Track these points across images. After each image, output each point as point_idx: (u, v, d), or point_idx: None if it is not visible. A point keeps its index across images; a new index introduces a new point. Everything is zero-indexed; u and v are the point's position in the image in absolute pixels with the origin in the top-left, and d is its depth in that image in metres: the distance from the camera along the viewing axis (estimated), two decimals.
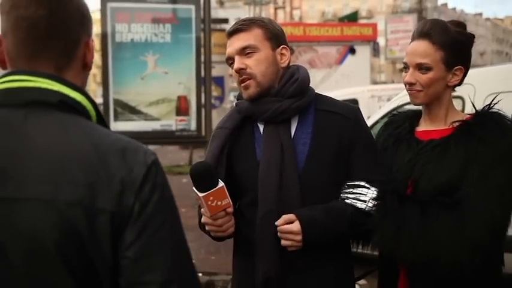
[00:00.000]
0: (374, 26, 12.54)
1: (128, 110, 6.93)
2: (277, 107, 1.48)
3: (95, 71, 17.32)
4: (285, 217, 1.43)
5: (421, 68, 1.53)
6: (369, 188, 1.48)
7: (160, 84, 6.96)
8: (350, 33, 11.25)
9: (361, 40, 11.50)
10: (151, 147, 9.54)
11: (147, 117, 6.93)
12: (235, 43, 1.50)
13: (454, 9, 69.28)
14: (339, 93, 8.26)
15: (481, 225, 1.38)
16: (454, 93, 1.65)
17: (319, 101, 1.55)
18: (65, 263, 0.79)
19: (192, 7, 7.03)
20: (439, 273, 1.43)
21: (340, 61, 11.14)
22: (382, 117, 4.17)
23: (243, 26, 1.49)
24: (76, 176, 0.80)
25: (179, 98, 7.01)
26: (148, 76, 6.94)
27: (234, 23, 1.58)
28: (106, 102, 6.92)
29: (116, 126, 6.86)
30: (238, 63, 1.48)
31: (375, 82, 18.65)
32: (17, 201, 0.79)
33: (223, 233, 1.44)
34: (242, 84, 1.50)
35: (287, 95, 1.49)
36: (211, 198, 1.35)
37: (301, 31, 11.67)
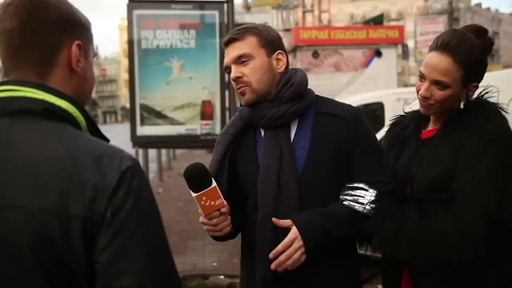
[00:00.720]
0: (401, 28, 12.35)
1: (154, 114, 7.07)
2: (274, 112, 1.50)
3: (126, 76, 17.67)
4: (281, 222, 1.44)
5: (438, 84, 1.51)
6: (367, 190, 1.48)
7: (185, 89, 7.07)
8: (376, 36, 11.12)
9: (387, 43, 11.35)
10: (178, 151, 9.78)
11: (173, 122, 7.05)
12: (231, 53, 1.53)
13: (488, 8, 67.45)
14: (364, 97, 8.19)
15: (476, 214, 1.37)
16: None
17: (319, 104, 1.56)
18: (40, 267, 0.83)
19: (216, 13, 7.12)
20: (446, 269, 1.42)
21: (366, 64, 11.03)
22: None
23: (237, 36, 1.52)
24: (51, 183, 0.84)
25: (204, 102, 7.11)
26: (173, 81, 7.07)
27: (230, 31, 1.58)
28: (133, 107, 7.09)
29: (143, 130, 7.02)
30: (234, 72, 1.51)
31: (405, 85, 18.37)
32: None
33: (219, 232, 1.48)
34: (239, 91, 1.54)
35: (284, 100, 1.51)
36: (204, 198, 1.40)
37: (326, 35, 11.60)
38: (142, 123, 7.05)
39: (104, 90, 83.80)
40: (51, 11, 0.94)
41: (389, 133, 1.73)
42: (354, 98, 8.35)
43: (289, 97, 1.51)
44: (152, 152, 9.21)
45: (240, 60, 1.51)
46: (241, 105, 1.64)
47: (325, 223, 1.45)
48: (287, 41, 11.65)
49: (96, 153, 0.88)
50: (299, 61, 11.12)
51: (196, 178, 1.41)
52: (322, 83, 10.83)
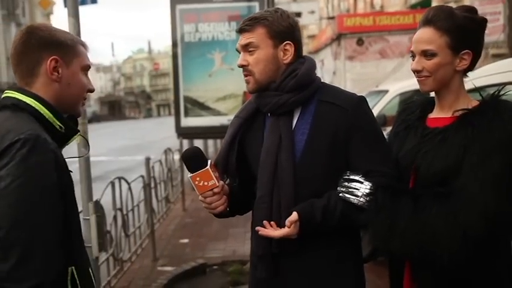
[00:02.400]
0: None
1: (197, 106, 7.30)
2: (276, 101, 1.56)
3: None
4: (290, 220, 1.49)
5: (426, 54, 1.53)
6: (362, 183, 1.51)
7: (227, 80, 7.24)
8: None
9: None
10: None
11: (215, 113, 7.25)
12: (240, 41, 1.60)
13: None
14: (410, 83, 7.94)
15: (474, 213, 1.36)
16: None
17: (324, 93, 1.60)
18: None
19: (256, 4, 7.20)
20: (437, 264, 1.43)
21: None
22: None
23: (247, 27, 1.57)
24: None
25: (245, 93, 7.20)
26: (215, 73, 7.25)
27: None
28: (177, 99, 7.35)
29: (186, 122, 7.27)
30: (241, 59, 1.59)
31: None
32: None
33: (214, 210, 1.59)
34: (244, 79, 1.60)
35: (286, 90, 1.56)
36: (197, 178, 1.53)
37: (370, 21, 11.31)
38: (186, 114, 7.30)
39: (158, 84, 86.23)
40: (33, 36, 1.32)
41: (397, 119, 1.74)
42: (399, 85, 8.15)
43: (291, 87, 1.56)
44: (198, 144, 9.45)
45: (247, 48, 1.57)
46: None
47: (321, 216, 1.50)
48: (331, 29, 11.49)
49: (8, 129, 1.21)
50: (343, 49, 10.96)
51: (191, 160, 1.54)
52: (367, 70, 10.63)
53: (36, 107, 1.28)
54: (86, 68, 1.38)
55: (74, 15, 2.56)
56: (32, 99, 1.28)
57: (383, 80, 9.59)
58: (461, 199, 1.39)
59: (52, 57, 1.31)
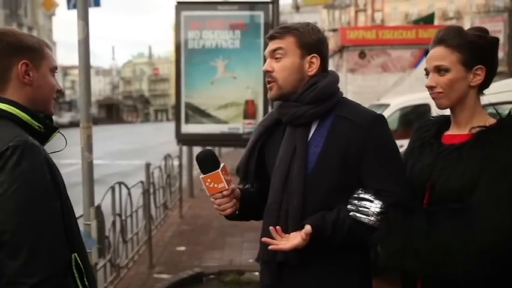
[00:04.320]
0: None
1: (198, 113, 7.26)
2: (294, 111, 1.59)
3: None
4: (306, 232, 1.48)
5: (439, 70, 1.54)
6: (372, 202, 1.50)
7: (229, 88, 7.21)
8: (426, 36, 10.70)
9: None
10: (224, 150, 9.88)
11: (216, 121, 7.21)
12: (270, 46, 1.62)
13: None
14: (411, 98, 7.98)
15: (490, 229, 1.35)
16: None
17: (343, 108, 1.61)
18: None
19: (261, 13, 7.21)
20: (452, 282, 1.41)
21: (415, 64, 10.69)
22: None
23: (277, 34, 1.60)
24: None
25: (247, 102, 7.21)
26: (217, 81, 7.22)
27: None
28: (178, 106, 7.32)
29: (187, 128, 7.23)
30: (267, 65, 1.62)
31: None
32: None
33: (223, 211, 1.63)
34: (268, 86, 1.63)
35: (305, 102, 1.58)
36: (208, 180, 1.58)
37: (373, 34, 11.36)
38: (187, 121, 7.25)
39: (157, 89, 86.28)
40: (1, 43, 1.34)
41: (413, 137, 1.73)
42: (400, 99, 8.18)
43: (310, 100, 1.58)
44: (198, 150, 9.42)
45: (275, 54, 1.59)
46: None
47: (332, 230, 1.50)
48: (333, 41, 11.52)
49: None
50: (345, 61, 10.99)
51: (204, 162, 1.59)
52: (369, 83, 10.65)
53: (14, 112, 1.33)
54: (54, 69, 1.44)
55: (84, 18, 2.54)
56: (8, 105, 1.33)
57: (384, 94, 9.62)
58: (477, 217, 1.37)
59: (22, 62, 1.35)
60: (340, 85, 1.69)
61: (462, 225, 1.38)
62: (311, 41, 1.60)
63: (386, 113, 6.89)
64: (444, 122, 1.66)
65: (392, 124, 6.99)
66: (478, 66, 1.53)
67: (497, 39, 1.57)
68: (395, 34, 11.39)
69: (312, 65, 1.60)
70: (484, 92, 1.59)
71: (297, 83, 1.59)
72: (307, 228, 1.48)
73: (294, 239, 1.49)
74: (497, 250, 1.35)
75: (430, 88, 1.57)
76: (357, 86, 10.57)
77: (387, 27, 14.85)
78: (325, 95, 1.58)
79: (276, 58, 1.59)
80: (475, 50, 1.52)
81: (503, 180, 1.38)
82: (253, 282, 4.30)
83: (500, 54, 10.30)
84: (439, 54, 1.54)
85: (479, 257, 1.34)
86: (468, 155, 1.46)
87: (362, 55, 11.00)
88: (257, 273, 4.50)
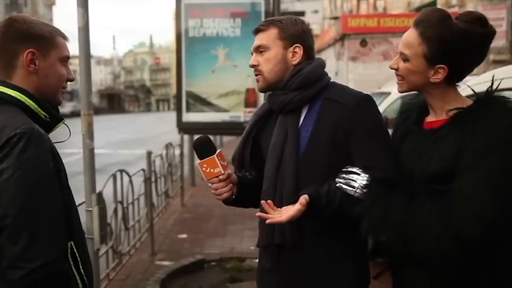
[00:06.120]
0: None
1: (199, 101, 7.26)
2: (282, 99, 1.64)
3: None
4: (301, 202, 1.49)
5: (402, 55, 1.51)
6: (359, 175, 1.53)
7: (230, 77, 7.22)
8: None
9: None
10: (225, 138, 9.85)
11: (217, 109, 7.22)
12: (255, 42, 1.69)
13: None
14: None
15: (469, 216, 1.33)
16: None
17: (330, 91, 1.64)
18: None
19: (262, 1, 7.17)
20: (424, 260, 1.42)
21: None
22: None
23: (262, 27, 1.67)
24: None
25: (248, 90, 7.21)
26: (218, 69, 7.22)
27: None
28: (179, 94, 7.31)
29: (188, 117, 7.24)
30: (252, 60, 1.69)
31: None
32: None
33: (220, 196, 1.68)
34: (255, 78, 1.70)
35: (292, 88, 1.63)
36: (205, 165, 1.64)
37: (375, 22, 11.27)
38: (188, 109, 7.26)
39: (158, 79, 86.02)
40: (11, 30, 1.36)
41: (396, 123, 1.69)
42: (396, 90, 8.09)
43: (296, 86, 1.62)
44: None
45: (259, 50, 1.67)
46: None
47: (326, 200, 1.52)
48: (335, 30, 11.45)
49: (3, 125, 1.27)
50: (346, 49, 10.92)
51: (200, 148, 1.65)
52: (370, 72, 10.60)
53: (22, 99, 1.34)
54: (65, 59, 1.44)
55: (83, 5, 2.54)
56: (17, 92, 1.35)
57: (385, 82, 9.59)
58: (455, 201, 1.36)
59: (28, 50, 1.36)
60: (341, 73, 1.72)
61: (440, 206, 1.38)
62: (293, 32, 1.65)
63: (387, 101, 6.87)
64: (424, 107, 1.60)
65: (394, 112, 6.94)
66: (441, 66, 1.46)
67: (491, 32, 1.47)
68: (397, 22, 11.30)
69: (296, 55, 1.65)
70: (458, 83, 1.53)
71: (282, 72, 1.65)
72: (305, 196, 1.49)
73: (289, 211, 1.50)
74: (477, 238, 1.33)
75: (391, 67, 1.56)
76: (358, 74, 10.53)
77: (389, 15, 14.67)
78: (311, 80, 1.63)
79: (261, 52, 1.66)
80: (444, 48, 1.44)
81: (481, 165, 1.35)
82: (254, 269, 4.31)
83: (503, 42, 10.13)
84: (408, 41, 1.49)
85: (456, 242, 1.33)
86: (445, 139, 1.44)
87: (363, 43, 10.94)
88: (257, 260, 4.56)
